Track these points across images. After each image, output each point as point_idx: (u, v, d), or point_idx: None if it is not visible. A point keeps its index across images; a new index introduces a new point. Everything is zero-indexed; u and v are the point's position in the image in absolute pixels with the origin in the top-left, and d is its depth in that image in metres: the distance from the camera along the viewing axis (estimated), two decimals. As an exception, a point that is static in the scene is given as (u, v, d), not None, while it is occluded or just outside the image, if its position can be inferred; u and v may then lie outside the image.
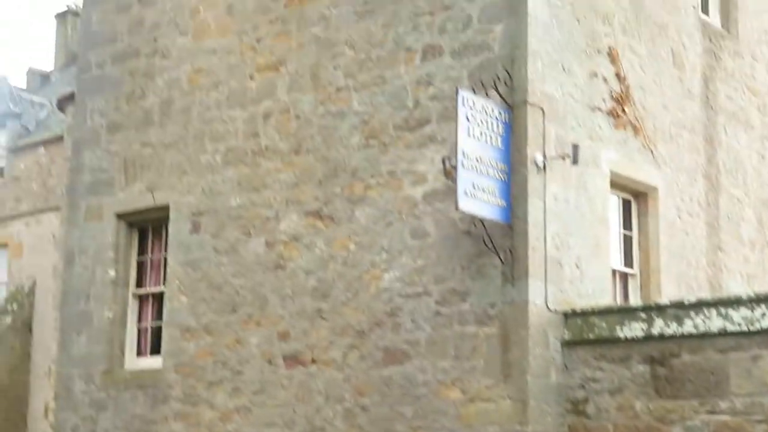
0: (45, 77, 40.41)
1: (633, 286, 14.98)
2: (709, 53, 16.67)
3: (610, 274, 14.28)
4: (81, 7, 18.97)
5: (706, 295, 15.32)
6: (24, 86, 39.40)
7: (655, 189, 15.15)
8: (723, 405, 12.01)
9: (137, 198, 16.66)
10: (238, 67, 15.80)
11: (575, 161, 13.38)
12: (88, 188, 17.27)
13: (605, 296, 13.95)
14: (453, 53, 13.76)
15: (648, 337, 12.57)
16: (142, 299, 16.84)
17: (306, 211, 14.79)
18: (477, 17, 13.63)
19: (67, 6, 40.52)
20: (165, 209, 16.29)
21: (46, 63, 41.80)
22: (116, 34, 17.34)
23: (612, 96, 14.50)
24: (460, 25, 13.75)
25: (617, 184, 14.60)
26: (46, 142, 34.23)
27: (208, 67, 16.14)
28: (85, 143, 17.49)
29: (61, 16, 40.75)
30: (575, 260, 13.53)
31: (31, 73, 40.61)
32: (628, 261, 14.99)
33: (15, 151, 35.10)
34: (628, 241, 15.05)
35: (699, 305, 12.36)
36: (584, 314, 13.11)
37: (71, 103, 26.46)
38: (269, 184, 15.20)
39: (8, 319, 32.50)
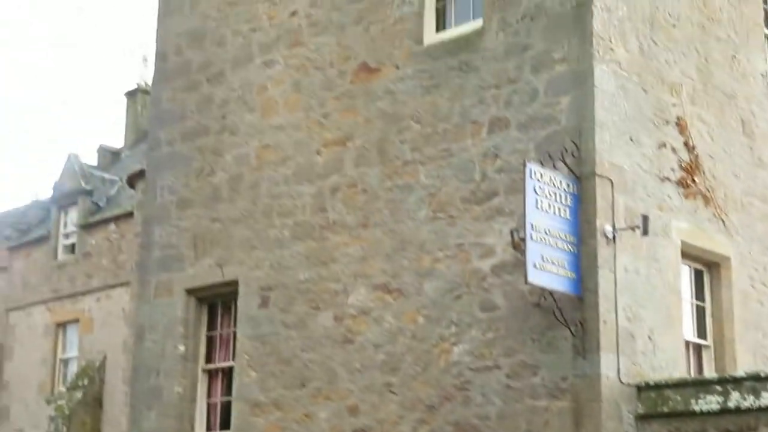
0: (115, 154, 41.00)
1: (707, 357, 14.73)
2: (779, 120, 16.52)
3: (683, 345, 14.08)
4: (151, 85, 19.29)
5: (782, 366, 15.03)
6: (95, 163, 40.02)
7: (727, 259, 14.95)
8: (804, 480, 11.72)
9: (207, 273, 16.77)
10: (306, 142, 15.94)
11: (645, 232, 13.27)
12: (158, 264, 17.43)
13: (679, 368, 13.73)
14: (519, 126, 13.78)
15: (724, 411, 12.32)
16: (211, 374, 16.87)
17: (374, 284, 14.79)
18: (543, 90, 13.65)
19: (137, 84, 41.21)
20: (234, 284, 16.38)
21: (117, 140, 42.33)
22: (186, 111, 17.61)
23: (681, 166, 14.41)
24: (526, 98, 13.78)
25: (688, 254, 14.43)
26: (116, 219, 34.66)
27: (276, 143, 16.30)
28: (155, 219, 17.69)
29: (131, 95, 41.43)
30: (647, 332, 13.36)
31: (102, 151, 41.22)
32: (702, 332, 14.77)
33: (86, 227, 35.58)
34: (700, 312, 14.84)
35: (776, 377, 12.12)
36: (658, 387, 12.90)
37: (141, 179, 26.80)
38: (337, 258, 15.23)
39: (79, 394, 32.72)
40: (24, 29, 78.69)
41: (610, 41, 13.65)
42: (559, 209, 12.85)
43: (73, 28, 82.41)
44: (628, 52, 13.91)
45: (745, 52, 16.06)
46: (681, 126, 14.52)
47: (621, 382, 12.79)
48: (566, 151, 13.14)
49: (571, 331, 12.78)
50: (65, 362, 35.55)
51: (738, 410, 12.23)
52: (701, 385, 12.68)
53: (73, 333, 35.37)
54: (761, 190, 15.90)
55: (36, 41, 76.25)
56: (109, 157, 40.79)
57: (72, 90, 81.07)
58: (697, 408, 12.51)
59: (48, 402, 33.89)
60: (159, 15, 18.48)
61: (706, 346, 14.77)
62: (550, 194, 12.78)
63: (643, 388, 12.95)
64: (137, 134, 39.82)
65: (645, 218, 13.28)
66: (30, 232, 38.53)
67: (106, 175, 37.80)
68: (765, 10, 16.79)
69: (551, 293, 12.80)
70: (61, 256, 36.52)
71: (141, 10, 76.87)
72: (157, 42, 18.45)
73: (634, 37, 14.06)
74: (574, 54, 13.50)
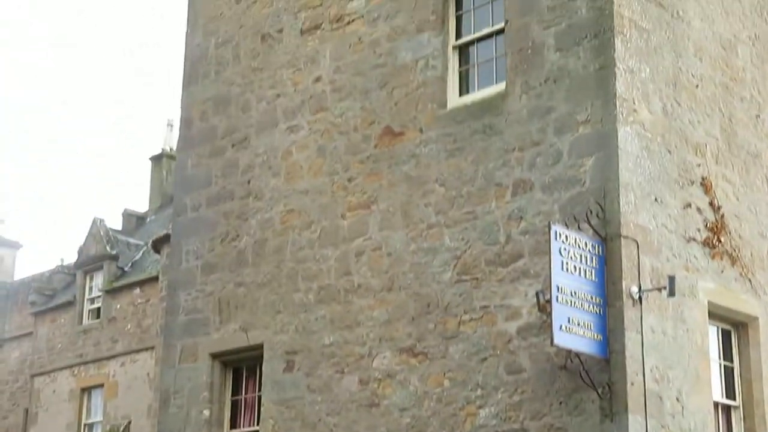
0: (140, 219, 41.23)
1: (736, 419, 14.59)
2: (803, 180, 16.46)
3: (712, 407, 13.94)
4: (176, 151, 19.43)
5: (813, 428, 14.85)
6: (120, 228, 40.23)
7: (755, 318, 14.85)
8: None
9: (231, 338, 16.76)
10: (330, 206, 15.99)
11: (672, 293, 13.21)
12: (183, 329, 17.43)
13: (708, 430, 13.61)
14: (544, 188, 13.79)
15: (755, 474, 12.17)
16: (236, 439, 16.81)
17: (399, 347, 14.74)
18: (567, 152, 13.68)
19: (162, 149, 41.53)
20: (259, 348, 16.35)
21: (141, 204, 42.65)
22: (211, 177, 17.71)
23: (707, 226, 14.37)
24: (550, 160, 13.81)
25: (716, 314, 14.34)
26: (141, 283, 34.78)
27: (301, 208, 16.35)
28: (180, 284, 17.73)
29: (156, 159, 41.73)
30: (676, 394, 13.25)
31: (127, 215, 41.47)
32: (730, 393, 14.63)
33: (111, 292, 35.70)
34: (729, 373, 14.71)
35: (807, 439, 11.97)
36: (687, 450, 12.76)
37: (166, 244, 26.92)
38: (362, 322, 15.20)
39: (103, 460, 32.67)
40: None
41: (634, 103, 13.69)
42: (584, 271, 12.82)
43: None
44: (652, 114, 13.95)
45: (769, 112, 16.08)
46: (706, 186, 14.51)
47: (650, 444, 12.68)
48: (591, 212, 13.14)
49: (598, 393, 12.69)
50: (90, 427, 35.51)
51: (769, 473, 12.10)
52: (731, 447, 12.54)
53: (97, 398, 35.37)
54: (788, 249, 15.82)
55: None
56: (134, 221, 41.02)
57: (96, 154, 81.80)
58: (727, 471, 12.38)
59: (73, 467, 33.82)
60: (184, 82, 18.68)
61: (735, 407, 14.62)
62: (575, 256, 12.76)
63: (672, 451, 12.83)
64: (162, 198, 40.05)
65: (671, 279, 13.22)
66: (55, 297, 38.70)
67: (131, 240, 37.99)
68: (787, 69, 16.83)
69: (578, 355, 12.73)
70: (86, 320, 36.63)
71: (167, 79, 77.87)
72: (182, 108, 18.62)
73: (658, 98, 14.10)
74: (598, 116, 13.55)
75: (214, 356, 16.93)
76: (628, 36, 13.83)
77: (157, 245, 30.79)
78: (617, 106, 13.45)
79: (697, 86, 14.79)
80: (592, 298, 12.80)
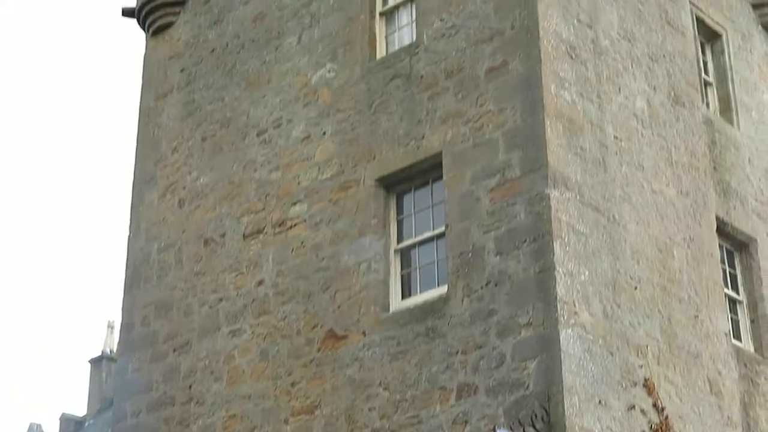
0: (79, 423, 40.37)
1: None
2: (745, 379, 16.56)
3: None
4: (116, 356, 19.21)
5: None
6: (57, 433, 39.35)
7: None
8: None
9: None
10: (273, 411, 15.77)
11: (617, 498, 13.06)
12: None
13: None
14: (488, 391, 13.74)
15: None
16: None
17: None
18: (510, 355, 13.70)
19: (102, 351, 41.06)
20: None
21: (79, 408, 41.83)
22: (152, 382, 17.45)
23: (651, 427, 14.33)
24: (493, 363, 13.80)
25: None
26: (78, 490, 33.82)
27: (243, 413, 16.10)
28: (118, 494, 17.25)
29: (96, 362, 41.21)
30: None
31: (65, 419, 40.61)
32: None
33: (46, 500, 34.64)
34: None
35: None
36: None
37: (104, 450, 26.32)
38: None
39: None
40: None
41: (574, 305, 13.82)
42: (531, 476, 12.67)
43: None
44: (593, 316, 14.06)
45: (707, 312, 16.25)
46: (649, 387, 14.53)
47: None
48: (536, 416, 13.07)
49: None
50: None
51: None
52: None
53: None
54: (733, 449, 15.79)
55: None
56: (72, 425, 40.17)
57: (34, 356, 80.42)
58: None
59: None
60: (125, 286, 18.58)
61: None
62: (521, 460, 12.64)
63: None
64: (101, 402, 39.36)
65: (617, 484, 13.10)
66: (-12, 506, 37.45)
67: (69, 445, 37.12)
68: (723, 270, 17.13)
69: None
70: None
71: (108, 279, 77.43)
72: (123, 313, 18.47)
73: (598, 301, 14.25)
74: (540, 318, 13.63)
75: None
76: (566, 240, 14.06)
77: (96, 451, 30.07)
78: (558, 309, 13.56)
79: (635, 288, 14.98)
80: (540, 502, 12.63)
